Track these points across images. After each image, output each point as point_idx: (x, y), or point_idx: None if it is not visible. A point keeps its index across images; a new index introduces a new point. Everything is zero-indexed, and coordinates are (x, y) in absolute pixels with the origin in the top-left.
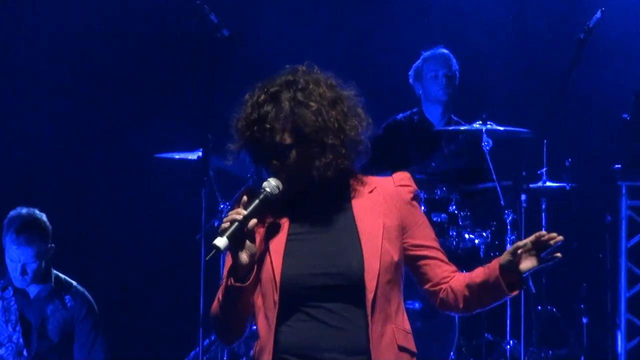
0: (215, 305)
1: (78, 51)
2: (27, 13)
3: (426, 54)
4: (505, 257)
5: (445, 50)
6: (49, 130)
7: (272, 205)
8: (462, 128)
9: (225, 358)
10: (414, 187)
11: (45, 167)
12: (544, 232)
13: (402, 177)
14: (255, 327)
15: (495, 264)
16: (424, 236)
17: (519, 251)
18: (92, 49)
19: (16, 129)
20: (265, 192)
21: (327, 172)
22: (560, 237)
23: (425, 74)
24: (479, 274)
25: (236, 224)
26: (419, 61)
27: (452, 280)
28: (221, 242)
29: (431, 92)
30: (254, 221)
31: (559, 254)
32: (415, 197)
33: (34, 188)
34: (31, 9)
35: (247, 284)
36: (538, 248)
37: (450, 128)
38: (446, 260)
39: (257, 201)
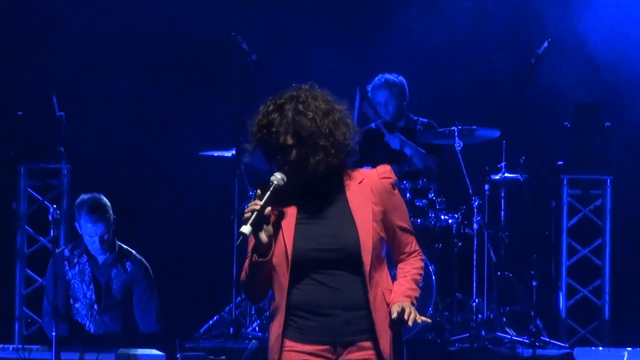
0: (243, 275)
1: (143, 70)
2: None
3: (370, 86)
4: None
5: (384, 78)
6: (122, 129)
7: (282, 196)
8: (439, 130)
9: (253, 312)
10: (394, 178)
11: (115, 160)
12: (405, 317)
13: (385, 170)
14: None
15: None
16: (401, 219)
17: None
18: (153, 71)
19: (93, 128)
20: (274, 184)
21: (320, 167)
22: (419, 319)
23: (373, 100)
24: (393, 291)
25: (255, 213)
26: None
27: (398, 269)
28: (246, 229)
29: (380, 113)
30: (268, 209)
31: (427, 320)
32: (395, 186)
33: (107, 176)
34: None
35: (267, 258)
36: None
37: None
38: (412, 242)
39: (268, 192)
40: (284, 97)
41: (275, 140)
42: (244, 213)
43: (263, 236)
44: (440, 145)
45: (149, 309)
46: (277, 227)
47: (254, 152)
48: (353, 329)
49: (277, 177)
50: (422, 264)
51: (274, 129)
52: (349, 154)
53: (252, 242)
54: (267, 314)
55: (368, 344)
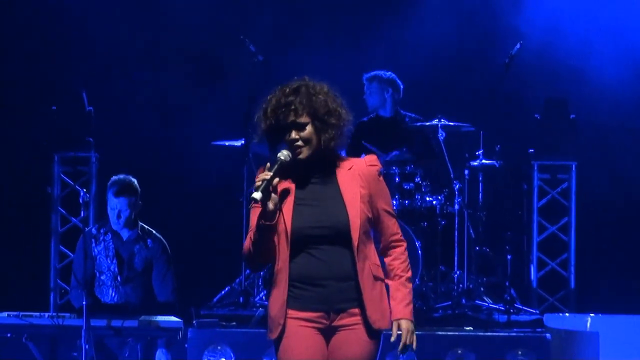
0: (247, 243)
1: (163, 70)
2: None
3: (363, 78)
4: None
5: (372, 74)
6: (144, 122)
7: (283, 180)
8: (426, 124)
9: (260, 283)
10: (379, 166)
11: (138, 148)
12: (399, 348)
13: (372, 158)
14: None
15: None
16: (385, 202)
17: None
18: (172, 71)
19: (119, 121)
20: (280, 160)
21: (330, 142)
22: (414, 346)
23: (365, 92)
24: (392, 297)
25: (265, 181)
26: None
27: (388, 265)
28: (257, 195)
29: (368, 104)
30: (276, 180)
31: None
32: (380, 174)
33: (130, 163)
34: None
35: (273, 222)
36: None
37: (418, 124)
38: (394, 224)
39: (276, 166)
40: (296, 84)
41: (293, 117)
42: (255, 182)
43: (270, 204)
44: (428, 136)
45: (167, 282)
46: (278, 208)
47: (265, 133)
48: (344, 297)
49: (284, 154)
50: (406, 252)
51: (293, 107)
52: (345, 138)
53: (254, 217)
54: None
55: (357, 310)
